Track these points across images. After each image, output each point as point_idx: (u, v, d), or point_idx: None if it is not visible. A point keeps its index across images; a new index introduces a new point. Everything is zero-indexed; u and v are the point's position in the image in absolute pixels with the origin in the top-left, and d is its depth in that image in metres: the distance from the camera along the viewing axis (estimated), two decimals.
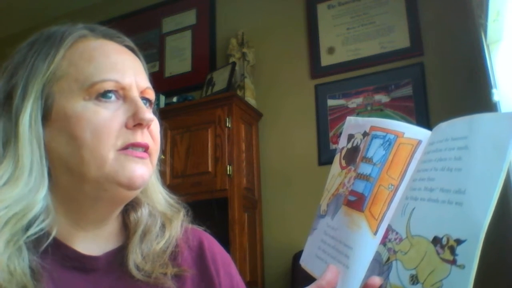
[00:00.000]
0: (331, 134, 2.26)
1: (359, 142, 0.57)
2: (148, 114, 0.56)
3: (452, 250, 0.39)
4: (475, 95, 1.90)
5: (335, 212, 0.56)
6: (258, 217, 2.29)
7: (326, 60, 2.37)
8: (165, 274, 0.60)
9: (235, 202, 2.07)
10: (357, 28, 2.34)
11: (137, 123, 0.55)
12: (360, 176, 0.53)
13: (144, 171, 0.56)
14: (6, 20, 3.27)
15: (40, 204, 0.53)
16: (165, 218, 0.65)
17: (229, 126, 2.14)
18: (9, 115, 0.55)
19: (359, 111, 2.22)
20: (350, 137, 0.59)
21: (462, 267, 0.38)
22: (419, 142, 0.50)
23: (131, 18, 2.98)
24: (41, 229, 0.52)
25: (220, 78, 2.39)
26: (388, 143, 0.52)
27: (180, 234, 0.65)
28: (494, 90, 1.46)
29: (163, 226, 0.64)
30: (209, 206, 2.11)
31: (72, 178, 0.55)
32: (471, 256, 0.38)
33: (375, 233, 0.49)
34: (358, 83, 2.25)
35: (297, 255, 2.03)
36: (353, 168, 0.56)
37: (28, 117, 0.54)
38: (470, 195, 0.40)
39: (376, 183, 0.51)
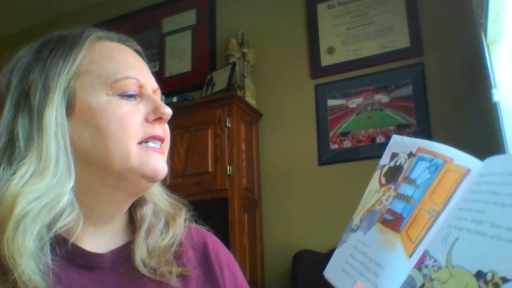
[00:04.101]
0: (331, 134, 2.26)
1: (403, 162, 0.56)
2: (168, 109, 0.60)
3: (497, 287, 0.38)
4: (475, 95, 1.91)
5: (368, 228, 0.55)
6: (258, 217, 2.29)
7: (326, 60, 2.37)
8: (170, 272, 0.60)
9: (235, 202, 2.07)
10: (357, 28, 2.34)
11: (157, 117, 0.59)
12: (401, 196, 0.52)
13: (165, 165, 0.60)
14: (6, 20, 3.27)
15: (68, 195, 0.54)
16: (168, 215, 0.66)
17: (229, 126, 2.14)
18: (29, 111, 0.56)
19: (359, 111, 2.22)
20: (394, 155, 0.58)
21: None
22: (468, 171, 0.47)
23: (131, 18, 2.98)
24: (70, 221, 0.53)
25: (220, 78, 2.39)
26: (435, 167, 0.50)
27: (184, 232, 0.66)
28: (494, 90, 1.46)
29: (166, 224, 0.65)
30: (209, 206, 2.11)
31: (94, 171, 0.57)
32: None
33: (410, 256, 0.47)
34: (358, 83, 2.25)
35: (297, 255, 2.03)
36: (393, 187, 0.55)
37: (54, 111, 0.56)
38: None
39: (417, 206, 0.49)
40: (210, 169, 2.12)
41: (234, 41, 2.52)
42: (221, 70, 2.45)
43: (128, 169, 0.56)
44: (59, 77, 0.57)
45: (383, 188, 0.57)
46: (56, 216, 0.53)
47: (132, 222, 0.65)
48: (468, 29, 1.90)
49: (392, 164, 0.58)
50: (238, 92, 2.36)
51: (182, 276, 0.62)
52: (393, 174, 0.56)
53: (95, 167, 0.56)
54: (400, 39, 2.21)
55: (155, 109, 0.59)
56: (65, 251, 0.55)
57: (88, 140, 0.56)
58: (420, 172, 0.51)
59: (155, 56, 2.86)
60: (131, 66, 0.61)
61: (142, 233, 0.62)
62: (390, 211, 0.52)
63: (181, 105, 2.35)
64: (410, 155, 0.55)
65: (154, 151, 0.59)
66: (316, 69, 2.38)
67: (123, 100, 0.58)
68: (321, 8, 2.45)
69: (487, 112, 1.65)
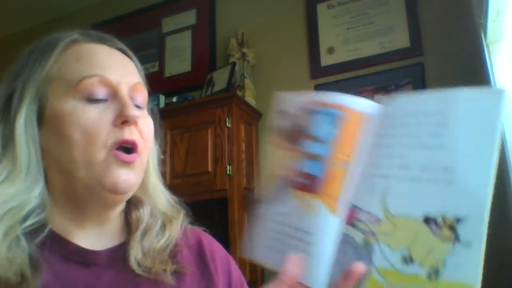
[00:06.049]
0: None
1: (299, 120, 0.52)
2: (134, 111, 0.56)
3: (453, 229, 0.38)
4: None
5: (283, 197, 0.51)
6: None
7: (326, 60, 2.37)
8: (165, 270, 0.60)
9: (235, 202, 2.06)
10: (357, 28, 2.33)
11: (123, 120, 0.56)
12: (308, 156, 0.49)
13: (130, 176, 0.56)
14: (6, 20, 3.27)
15: (36, 200, 0.55)
16: (165, 217, 0.66)
17: (229, 126, 2.14)
18: (8, 118, 0.57)
19: None
20: (285, 114, 0.54)
21: (468, 245, 0.37)
22: (369, 114, 0.46)
23: (131, 18, 2.98)
24: (37, 221, 0.55)
25: (220, 78, 2.39)
26: (333, 118, 0.48)
27: (180, 234, 0.66)
28: None
29: (163, 226, 0.65)
30: (209, 206, 2.11)
31: (65, 178, 0.57)
32: (477, 234, 0.37)
33: (334, 212, 0.45)
34: (358, 83, 2.25)
35: None
36: (297, 148, 0.52)
37: (24, 120, 0.56)
38: (462, 173, 0.39)
39: (328, 161, 0.47)
40: (210, 169, 2.12)
41: (234, 41, 2.52)
42: (221, 70, 2.45)
43: (91, 179, 0.55)
44: (31, 85, 0.57)
45: (287, 152, 0.53)
46: (26, 217, 0.54)
47: (129, 223, 0.65)
48: (468, 29, 1.90)
49: (287, 124, 0.53)
50: (238, 92, 2.35)
51: (176, 273, 0.62)
52: (292, 134, 0.52)
53: (65, 175, 0.56)
54: (400, 39, 2.21)
55: (120, 113, 0.56)
56: (60, 248, 0.56)
57: (57, 147, 0.56)
58: (320, 126, 0.49)
59: (155, 56, 2.86)
60: (99, 64, 0.58)
61: (137, 236, 0.62)
62: (301, 174, 0.49)
63: (181, 105, 2.35)
64: (305, 111, 0.51)
65: (121, 160, 0.55)
66: (316, 69, 2.38)
67: (90, 105, 0.55)
68: (321, 8, 2.44)
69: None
